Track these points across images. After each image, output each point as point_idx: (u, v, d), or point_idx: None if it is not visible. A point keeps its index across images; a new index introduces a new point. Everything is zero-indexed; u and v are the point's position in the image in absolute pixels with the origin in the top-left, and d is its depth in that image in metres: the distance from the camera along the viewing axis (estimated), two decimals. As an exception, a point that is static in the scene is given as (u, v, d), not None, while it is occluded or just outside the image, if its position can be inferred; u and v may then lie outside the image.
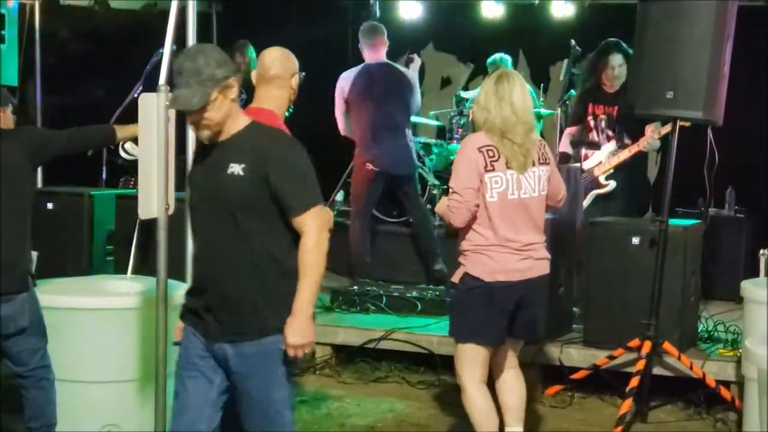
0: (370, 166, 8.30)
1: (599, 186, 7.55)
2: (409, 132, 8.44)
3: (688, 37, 6.09)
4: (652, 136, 7.22)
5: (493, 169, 5.07)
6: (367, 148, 8.35)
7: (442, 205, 5.30)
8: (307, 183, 4.07)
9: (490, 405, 5.27)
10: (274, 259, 4.06)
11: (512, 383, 5.42)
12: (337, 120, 8.56)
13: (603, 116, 7.57)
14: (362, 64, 8.53)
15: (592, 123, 7.62)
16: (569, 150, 7.79)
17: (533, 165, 5.15)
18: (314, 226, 4.06)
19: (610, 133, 7.56)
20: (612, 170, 7.51)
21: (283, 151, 4.08)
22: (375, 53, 8.47)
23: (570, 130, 7.85)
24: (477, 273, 5.14)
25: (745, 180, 8.08)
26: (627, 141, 7.46)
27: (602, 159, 7.54)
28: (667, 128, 6.95)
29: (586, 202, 7.50)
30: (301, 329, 4.06)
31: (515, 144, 5.09)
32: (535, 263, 5.21)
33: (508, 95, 5.10)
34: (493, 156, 5.08)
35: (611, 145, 7.53)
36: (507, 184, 5.09)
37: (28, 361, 5.19)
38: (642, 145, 7.30)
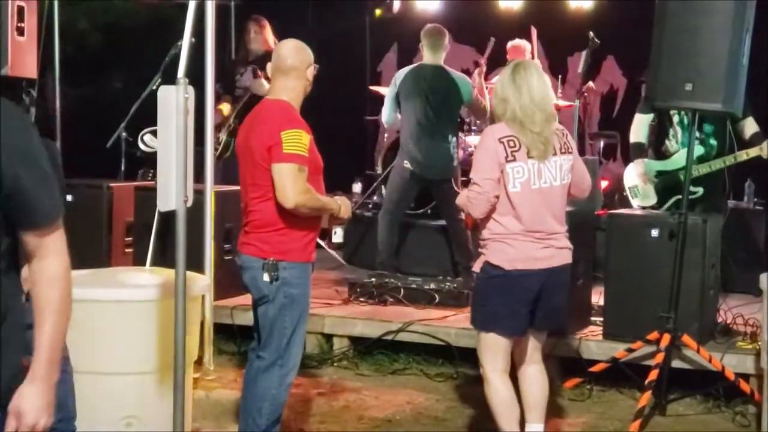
0: (407, 165, 8.30)
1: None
2: (452, 137, 8.37)
3: (707, 29, 6.06)
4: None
5: (515, 159, 5.07)
6: (407, 147, 8.37)
7: (462, 198, 5.31)
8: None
9: (512, 396, 5.27)
10: None
11: (535, 379, 5.41)
12: (383, 110, 8.57)
13: (688, 113, 7.00)
14: (418, 63, 8.52)
15: (675, 119, 7.28)
16: (643, 139, 7.37)
17: (554, 154, 5.15)
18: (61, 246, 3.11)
19: (697, 133, 7.01)
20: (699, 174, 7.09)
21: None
22: (433, 55, 8.44)
23: (640, 118, 7.38)
24: (497, 261, 5.14)
25: (764, 172, 8.02)
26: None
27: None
28: None
29: (666, 206, 7.27)
30: (40, 396, 3.03)
31: (534, 133, 5.08)
32: (557, 252, 5.20)
33: (526, 84, 5.10)
34: (514, 146, 5.08)
35: (697, 148, 7.01)
36: (529, 173, 5.09)
37: None
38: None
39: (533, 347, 5.40)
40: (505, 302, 5.14)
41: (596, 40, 8.20)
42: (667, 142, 7.30)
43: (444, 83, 8.27)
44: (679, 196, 7.00)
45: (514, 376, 5.38)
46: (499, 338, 5.20)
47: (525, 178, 5.09)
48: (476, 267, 5.27)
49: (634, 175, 7.37)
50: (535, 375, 5.41)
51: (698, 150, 7.07)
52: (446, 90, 8.27)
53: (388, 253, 8.47)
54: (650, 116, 7.33)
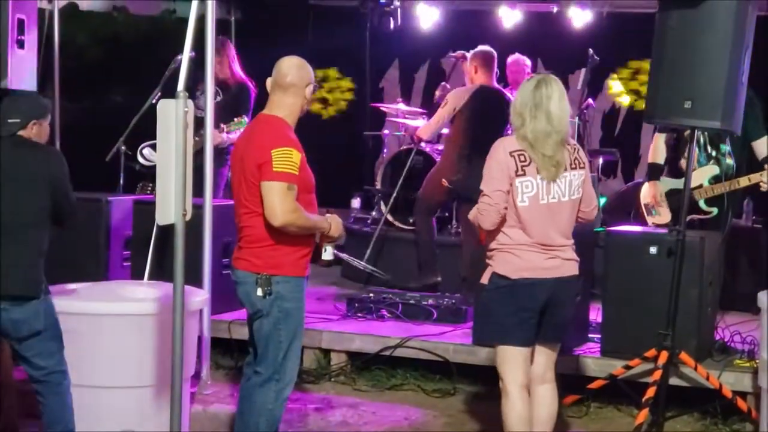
0: (445, 183, 8.35)
1: (699, 211, 7.11)
2: None
3: (707, 47, 6.07)
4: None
5: (524, 174, 5.09)
6: (453, 166, 8.46)
7: (473, 212, 5.31)
8: None
9: (528, 412, 5.23)
10: None
11: (546, 399, 5.37)
12: (430, 125, 8.67)
13: (704, 132, 7.02)
14: (478, 85, 8.57)
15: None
16: (660, 160, 7.33)
17: (565, 170, 5.15)
18: None
19: (713, 153, 7.15)
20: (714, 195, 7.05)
21: None
22: (489, 77, 8.58)
23: (659, 139, 7.34)
24: (503, 271, 5.15)
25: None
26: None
27: (703, 182, 7.10)
28: None
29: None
30: None
31: (546, 156, 5.09)
32: (564, 263, 5.21)
33: (546, 102, 5.08)
34: (525, 161, 5.09)
35: (713, 168, 7.08)
36: (538, 189, 5.10)
37: (44, 366, 5.20)
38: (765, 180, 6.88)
39: (546, 365, 5.38)
40: (511, 312, 5.14)
41: (596, 57, 8.21)
42: (683, 160, 7.27)
43: (502, 107, 8.32)
44: (693, 216, 7.01)
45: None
46: (515, 350, 5.19)
47: (533, 193, 5.10)
48: (484, 279, 5.27)
49: (648, 195, 7.38)
50: (546, 395, 5.38)
51: (715, 170, 7.07)
52: (501, 113, 8.33)
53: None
54: (667, 135, 7.30)
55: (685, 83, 6.10)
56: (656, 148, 7.34)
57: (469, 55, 8.69)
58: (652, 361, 6.23)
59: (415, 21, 10.61)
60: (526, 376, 5.24)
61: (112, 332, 5.49)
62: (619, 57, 9.89)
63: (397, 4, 10.20)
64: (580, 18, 10.20)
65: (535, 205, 5.11)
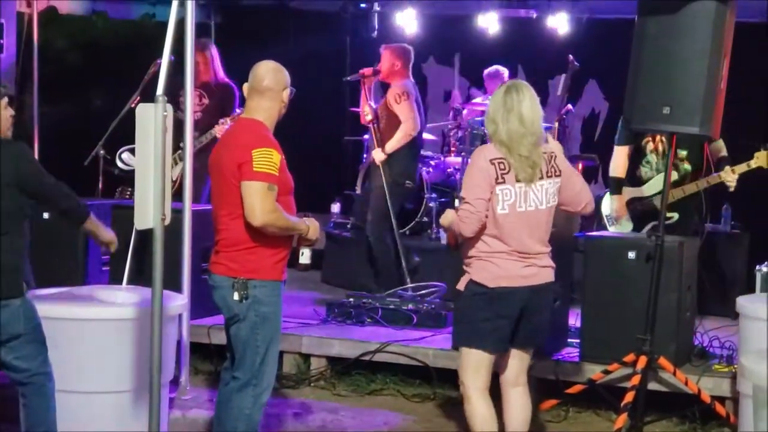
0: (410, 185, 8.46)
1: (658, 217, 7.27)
2: None
3: (685, 53, 6.09)
4: (731, 172, 6.97)
5: (504, 182, 5.12)
6: (408, 166, 8.60)
7: (447, 218, 5.33)
8: None
9: (492, 415, 5.27)
10: None
11: (519, 402, 5.41)
12: (412, 118, 8.51)
13: (662, 139, 7.18)
14: (412, 80, 8.71)
15: (649, 146, 7.29)
16: (622, 174, 7.35)
17: (541, 178, 5.18)
18: None
19: (671, 159, 7.26)
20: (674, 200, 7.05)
21: None
22: (409, 73, 8.67)
23: (621, 150, 7.37)
24: (481, 279, 5.18)
25: (741, 196, 8.06)
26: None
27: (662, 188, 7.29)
28: (746, 167, 6.93)
29: (642, 232, 7.24)
30: None
31: (523, 156, 5.13)
32: (540, 270, 5.25)
33: (517, 106, 5.14)
34: (504, 169, 5.13)
35: (672, 174, 7.03)
36: (516, 196, 5.14)
37: (28, 368, 5.16)
38: (730, 179, 6.97)
39: (519, 369, 5.41)
40: (488, 318, 5.17)
41: (575, 63, 8.22)
42: (641, 168, 7.35)
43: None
44: (655, 222, 7.07)
45: (495, 395, 5.38)
46: (482, 355, 5.22)
47: (512, 201, 5.14)
48: (460, 285, 5.29)
49: (609, 207, 7.42)
50: (519, 398, 5.41)
51: (672, 175, 7.12)
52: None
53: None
54: (628, 147, 7.35)
55: (664, 89, 6.13)
56: (618, 162, 7.39)
57: (387, 49, 8.60)
58: (631, 365, 6.24)
59: (396, 26, 10.62)
60: (487, 380, 5.27)
61: (90, 337, 5.47)
62: (599, 63, 9.90)
63: (378, 9, 10.22)
64: (560, 24, 10.23)
65: (513, 213, 5.14)
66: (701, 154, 7.14)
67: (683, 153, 7.13)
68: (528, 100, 5.17)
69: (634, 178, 7.36)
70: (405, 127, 8.45)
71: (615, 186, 7.41)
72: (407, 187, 8.66)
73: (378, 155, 8.44)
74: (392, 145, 8.44)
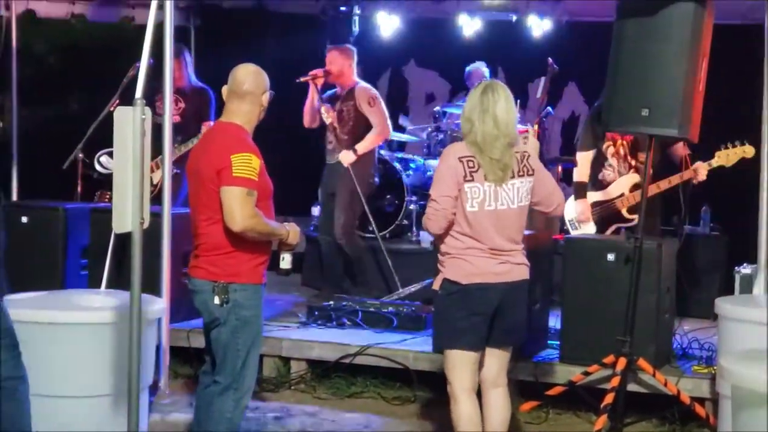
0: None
1: (622, 220, 7.31)
2: None
3: (664, 55, 6.12)
4: (703, 167, 7.02)
5: (473, 180, 5.14)
6: (372, 168, 8.62)
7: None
8: None
9: (477, 415, 5.28)
10: None
11: (498, 403, 5.41)
12: (386, 120, 8.58)
13: (624, 142, 7.29)
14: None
15: (610, 150, 7.37)
16: (586, 179, 7.44)
17: (512, 177, 5.19)
18: None
19: (632, 162, 7.31)
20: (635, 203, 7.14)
21: None
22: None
23: (583, 158, 7.48)
24: (454, 277, 5.20)
25: (720, 198, 8.11)
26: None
27: (624, 191, 7.29)
28: (707, 166, 6.99)
29: (607, 233, 7.32)
30: None
31: (494, 159, 5.14)
32: (514, 267, 5.27)
33: (492, 107, 5.16)
34: (473, 167, 5.15)
35: (633, 177, 7.25)
36: (485, 195, 5.16)
37: None
38: (701, 175, 7.01)
39: (498, 369, 5.41)
40: (464, 316, 5.18)
41: (555, 66, 8.24)
42: (604, 171, 7.40)
43: None
44: (618, 225, 7.13)
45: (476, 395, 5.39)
46: (464, 354, 5.23)
47: (481, 199, 5.16)
48: (436, 284, 5.31)
49: (573, 211, 7.45)
50: (499, 399, 5.42)
51: (635, 178, 7.17)
52: None
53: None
54: (592, 152, 7.40)
55: (642, 91, 6.15)
56: (581, 167, 7.46)
57: (336, 50, 8.54)
58: (611, 367, 6.26)
59: (376, 29, 10.62)
60: (474, 380, 5.28)
61: (69, 341, 5.45)
62: (579, 66, 9.93)
63: (357, 12, 10.21)
64: (539, 27, 10.25)
65: (482, 211, 5.16)
66: (662, 156, 7.18)
67: (644, 156, 7.16)
68: (503, 101, 5.19)
69: (596, 181, 7.42)
70: (380, 130, 8.45)
71: (579, 190, 7.47)
72: (375, 186, 8.68)
73: (348, 157, 8.36)
74: (365, 146, 8.40)
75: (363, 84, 8.61)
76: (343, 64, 8.47)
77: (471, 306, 5.18)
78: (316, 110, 8.43)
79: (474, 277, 5.17)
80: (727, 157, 7.01)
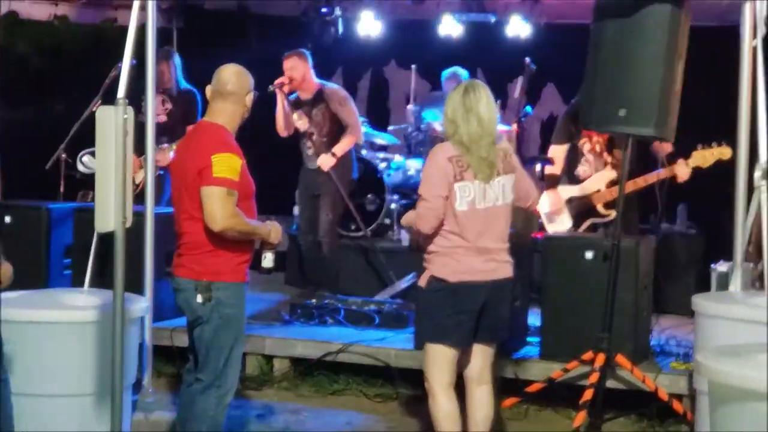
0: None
1: (598, 215, 7.39)
2: None
3: (641, 56, 6.18)
4: (685, 165, 7.09)
5: (462, 179, 5.20)
6: (351, 165, 8.69)
7: (409, 217, 5.41)
8: None
9: (456, 411, 5.34)
10: None
11: (483, 400, 5.47)
12: (359, 124, 8.72)
13: (600, 139, 7.37)
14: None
15: (586, 147, 7.47)
16: (557, 171, 7.55)
17: (497, 175, 5.26)
18: None
19: (608, 159, 7.39)
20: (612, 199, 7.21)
21: None
22: None
23: (557, 150, 7.58)
24: (442, 274, 5.25)
25: (696, 196, 8.18)
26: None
27: (601, 187, 7.37)
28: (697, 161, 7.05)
29: (581, 229, 7.40)
30: None
31: (481, 157, 5.21)
32: (500, 265, 5.34)
33: (476, 106, 5.23)
34: (462, 166, 5.21)
35: (609, 173, 7.34)
36: (475, 193, 5.22)
37: None
38: (682, 173, 7.08)
39: (483, 366, 5.47)
40: (451, 314, 5.24)
41: (532, 66, 8.30)
42: (579, 167, 7.47)
43: None
44: (593, 220, 7.19)
45: (460, 392, 5.44)
46: (446, 350, 5.28)
47: (471, 198, 5.22)
48: (421, 282, 5.36)
49: (548, 204, 7.51)
50: (483, 396, 5.47)
51: (612, 174, 7.23)
52: None
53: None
54: (566, 146, 7.47)
55: (620, 91, 6.21)
56: (554, 159, 7.54)
57: (295, 55, 8.52)
58: (590, 364, 6.32)
59: (358, 30, 10.66)
60: (452, 376, 5.33)
61: (52, 340, 5.45)
62: (557, 66, 9.99)
63: (339, 13, 10.24)
64: (518, 28, 10.30)
65: (472, 210, 5.21)
66: (642, 154, 7.24)
67: (621, 153, 7.22)
68: (485, 99, 5.26)
69: (572, 177, 7.49)
70: (354, 130, 8.51)
71: (550, 182, 7.54)
72: (355, 183, 8.73)
73: (328, 160, 8.38)
74: (342, 148, 8.44)
75: (329, 85, 8.66)
76: (304, 68, 8.48)
77: (458, 303, 5.23)
78: (288, 118, 8.45)
79: (462, 275, 5.23)
80: (704, 158, 7.07)
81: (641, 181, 7.18)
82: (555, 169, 7.55)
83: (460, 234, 5.22)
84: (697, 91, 6.98)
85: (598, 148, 7.36)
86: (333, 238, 8.58)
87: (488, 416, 5.48)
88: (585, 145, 7.42)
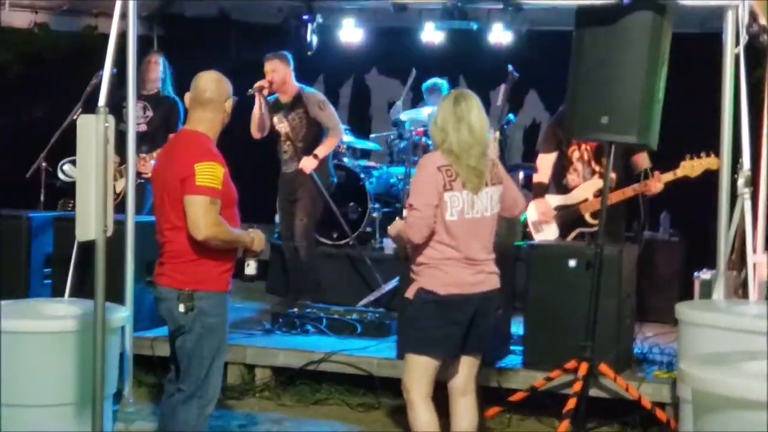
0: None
1: (585, 224, 7.32)
2: None
3: (623, 63, 6.19)
4: (658, 180, 7.04)
5: (452, 189, 5.18)
6: (328, 170, 8.70)
7: (396, 226, 5.38)
8: None
9: (435, 420, 5.30)
10: None
11: (467, 410, 5.45)
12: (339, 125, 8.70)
13: (588, 147, 7.33)
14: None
15: (575, 155, 7.42)
16: (545, 179, 7.48)
17: (486, 185, 5.25)
18: None
19: (596, 168, 7.34)
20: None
21: None
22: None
23: (545, 159, 7.51)
24: (431, 286, 5.21)
25: (679, 204, 8.19)
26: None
27: (588, 196, 7.32)
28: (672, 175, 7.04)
29: (569, 239, 7.35)
30: None
31: (470, 167, 5.19)
32: (488, 277, 5.32)
33: (467, 115, 5.21)
34: (452, 176, 5.19)
35: (597, 182, 7.26)
36: (463, 203, 5.20)
37: None
38: (654, 188, 7.04)
39: (468, 377, 5.45)
40: (439, 326, 5.21)
41: (515, 73, 8.29)
42: (568, 176, 7.43)
43: None
44: (581, 229, 7.17)
45: (440, 402, 5.41)
46: (429, 362, 5.25)
47: (460, 208, 5.20)
48: (409, 293, 5.32)
49: (536, 212, 7.50)
50: (468, 406, 5.46)
51: (599, 183, 7.22)
52: None
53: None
54: (554, 155, 7.45)
55: (602, 98, 6.23)
56: (541, 168, 7.51)
57: (277, 58, 8.52)
58: (573, 372, 6.31)
59: (339, 37, 10.64)
60: (431, 387, 5.30)
61: (32, 350, 5.42)
62: (540, 74, 10.00)
63: (320, 21, 10.22)
64: (500, 35, 10.29)
65: (461, 220, 5.20)
66: (625, 164, 7.24)
67: (606, 161, 7.21)
68: (476, 109, 5.25)
69: (561, 185, 7.46)
70: (335, 133, 8.49)
71: (538, 191, 7.51)
72: (334, 186, 8.72)
73: (309, 163, 8.37)
74: (324, 150, 8.42)
75: (308, 89, 8.64)
76: (285, 71, 8.48)
77: (448, 316, 5.20)
78: (263, 121, 8.42)
79: (451, 288, 5.20)
80: (692, 168, 7.06)
81: (629, 191, 7.17)
82: (543, 177, 7.51)
83: (451, 244, 5.20)
84: (679, 98, 6.99)
85: (586, 156, 7.33)
86: (309, 243, 8.55)
87: (472, 425, 5.46)
88: (574, 153, 7.39)
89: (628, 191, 7.15)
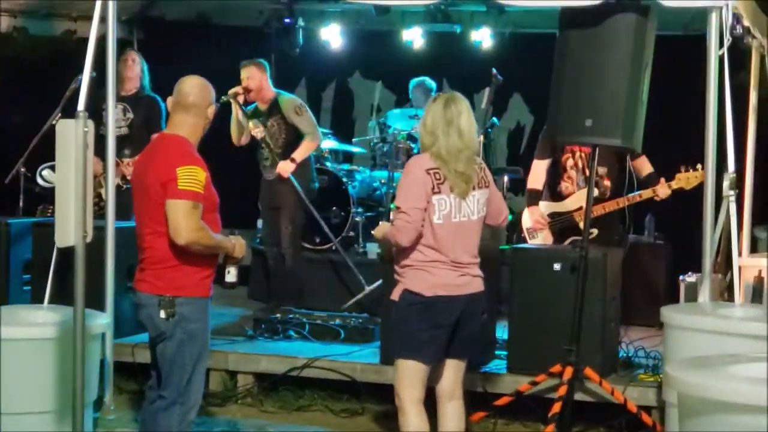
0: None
1: (579, 232, 7.10)
2: None
3: (607, 66, 6.16)
4: (666, 186, 7.08)
5: (440, 192, 5.15)
6: (310, 174, 8.63)
7: (381, 230, 5.35)
8: None
9: (426, 426, 5.27)
10: None
11: (454, 415, 5.42)
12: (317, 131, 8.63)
13: (582, 154, 7.29)
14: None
15: (569, 162, 7.38)
16: (539, 186, 7.44)
17: (473, 189, 5.22)
18: None
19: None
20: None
21: None
22: None
23: (539, 165, 7.45)
24: (417, 288, 5.18)
25: (664, 207, 8.16)
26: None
27: (582, 204, 7.09)
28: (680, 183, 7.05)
29: (565, 244, 7.35)
30: None
31: (458, 171, 5.16)
32: (473, 279, 5.29)
33: (457, 119, 5.18)
34: (440, 179, 5.16)
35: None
36: (451, 207, 5.18)
37: None
38: (661, 193, 7.09)
39: (455, 381, 5.42)
40: (425, 328, 5.17)
41: (499, 77, 8.28)
42: (562, 183, 7.40)
43: None
44: (575, 237, 7.14)
45: (428, 407, 5.37)
46: (418, 366, 5.21)
47: (447, 211, 5.17)
48: (394, 295, 5.28)
49: (530, 220, 7.47)
50: (455, 411, 5.42)
51: (593, 191, 7.18)
52: None
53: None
54: (547, 161, 7.41)
55: (586, 101, 6.20)
56: (535, 174, 7.46)
57: (253, 65, 8.42)
58: (558, 376, 6.29)
59: (321, 41, 10.62)
60: (423, 392, 5.27)
61: (12, 357, 5.36)
62: (524, 77, 9.99)
63: (302, 24, 10.20)
64: (483, 39, 10.30)
65: (448, 223, 5.17)
66: (622, 172, 7.21)
67: (603, 170, 7.20)
68: (466, 112, 5.23)
69: (555, 193, 7.43)
70: (313, 137, 8.43)
71: (531, 197, 7.48)
72: (316, 191, 8.67)
73: (287, 167, 8.30)
74: (301, 154, 8.35)
75: (285, 94, 8.59)
76: (261, 78, 8.41)
77: (433, 318, 5.17)
78: (242, 127, 8.37)
79: (437, 289, 5.17)
80: (687, 180, 7.07)
81: (623, 201, 7.14)
82: (537, 184, 7.45)
83: (436, 248, 5.17)
84: (663, 101, 6.98)
85: (580, 164, 7.29)
86: (296, 250, 8.51)
87: (459, 430, 5.42)
88: (568, 160, 7.36)
89: (623, 201, 7.12)
